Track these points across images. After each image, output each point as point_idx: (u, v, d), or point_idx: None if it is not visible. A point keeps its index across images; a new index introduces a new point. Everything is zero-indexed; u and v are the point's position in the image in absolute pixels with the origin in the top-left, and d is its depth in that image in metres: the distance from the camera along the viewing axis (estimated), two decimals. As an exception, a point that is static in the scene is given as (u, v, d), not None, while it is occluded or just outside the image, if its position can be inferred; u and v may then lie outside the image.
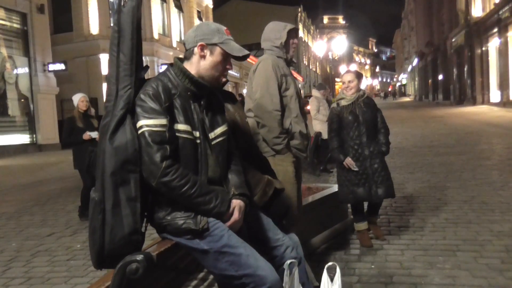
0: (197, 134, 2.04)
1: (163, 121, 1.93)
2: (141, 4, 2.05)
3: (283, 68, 3.15)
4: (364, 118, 4.08)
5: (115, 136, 1.90)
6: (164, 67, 2.27)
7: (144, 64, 2.13)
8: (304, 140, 3.20)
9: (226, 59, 2.12)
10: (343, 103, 4.17)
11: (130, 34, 1.98)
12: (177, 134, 1.98)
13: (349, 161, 4.01)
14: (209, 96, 2.18)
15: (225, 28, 2.14)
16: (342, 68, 67.91)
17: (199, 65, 2.10)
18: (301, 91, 3.76)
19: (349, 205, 4.62)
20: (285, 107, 3.12)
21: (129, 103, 1.95)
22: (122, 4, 1.99)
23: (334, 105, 4.25)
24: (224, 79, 2.50)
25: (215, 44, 2.08)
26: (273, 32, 3.19)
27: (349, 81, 4.16)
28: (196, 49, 2.09)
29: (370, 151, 4.05)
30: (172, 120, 1.98)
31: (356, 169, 4.00)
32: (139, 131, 1.92)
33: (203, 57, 2.10)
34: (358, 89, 4.21)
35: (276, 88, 3.04)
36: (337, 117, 4.14)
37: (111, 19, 22.60)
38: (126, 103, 1.95)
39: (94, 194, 1.91)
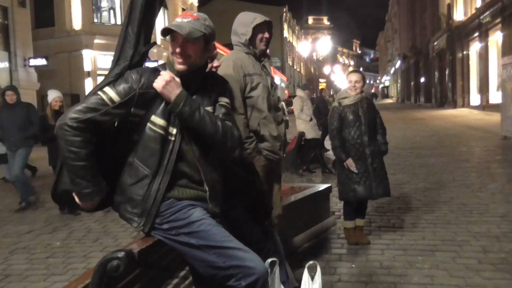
0: (174, 131, 2.00)
1: (116, 98, 1.92)
2: None
3: (249, 67, 2.85)
4: (366, 118, 4.12)
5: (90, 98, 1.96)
6: (147, 64, 2.21)
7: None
8: (275, 141, 2.93)
9: (174, 39, 2.00)
10: (346, 102, 4.16)
11: (139, 7, 2.03)
12: (149, 124, 1.97)
13: (350, 162, 4.03)
14: (202, 94, 2.10)
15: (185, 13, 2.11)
16: (326, 69, 68.24)
17: None
18: (277, 90, 3.33)
19: (338, 200, 4.64)
20: (253, 108, 2.85)
21: (121, 73, 2.00)
22: None
23: (335, 104, 4.25)
24: (209, 65, 2.38)
25: None
26: (240, 26, 2.91)
27: (356, 81, 4.12)
28: None
29: (371, 150, 4.09)
30: (149, 110, 1.98)
31: (355, 171, 4.03)
32: None
33: None
34: (362, 90, 4.22)
35: (237, 91, 2.76)
36: (339, 116, 4.15)
37: (94, 15, 22.33)
38: (116, 72, 2.01)
39: None
